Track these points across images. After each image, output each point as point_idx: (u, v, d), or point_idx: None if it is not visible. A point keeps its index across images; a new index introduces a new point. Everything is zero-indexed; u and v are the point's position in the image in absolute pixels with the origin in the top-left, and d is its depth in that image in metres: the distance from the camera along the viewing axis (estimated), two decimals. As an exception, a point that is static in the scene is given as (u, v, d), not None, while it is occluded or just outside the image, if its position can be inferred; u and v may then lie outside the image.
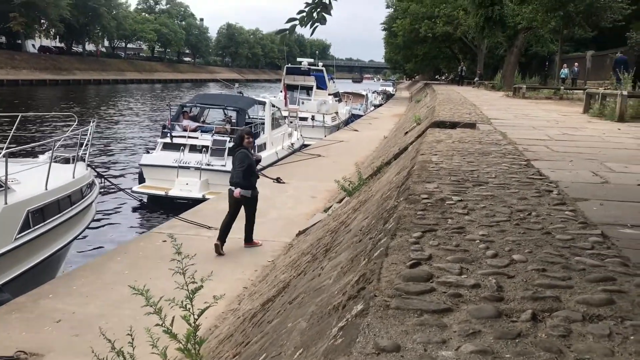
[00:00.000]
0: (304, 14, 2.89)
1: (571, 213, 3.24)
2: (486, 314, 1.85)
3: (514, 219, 3.09)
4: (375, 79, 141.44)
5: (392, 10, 56.41)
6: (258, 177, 8.75)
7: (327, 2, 2.87)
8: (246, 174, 8.21)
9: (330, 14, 2.91)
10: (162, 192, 13.62)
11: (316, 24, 2.92)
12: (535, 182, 4.18)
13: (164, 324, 2.54)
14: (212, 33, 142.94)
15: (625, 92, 11.35)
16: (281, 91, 28.59)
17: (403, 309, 1.88)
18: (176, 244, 2.79)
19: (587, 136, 8.13)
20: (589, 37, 28.82)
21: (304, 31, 3.49)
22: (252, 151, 15.36)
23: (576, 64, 28.23)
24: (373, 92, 56.04)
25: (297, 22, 2.92)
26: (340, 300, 2.33)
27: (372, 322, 1.80)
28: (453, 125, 9.29)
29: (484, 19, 30.75)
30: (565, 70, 27.73)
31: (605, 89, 15.02)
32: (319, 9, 2.86)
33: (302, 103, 27.65)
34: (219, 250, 8.02)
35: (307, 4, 2.90)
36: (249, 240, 8.45)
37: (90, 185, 9.70)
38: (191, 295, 2.60)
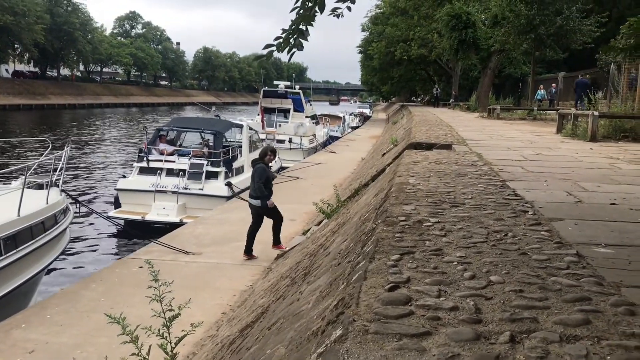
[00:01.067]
0: (281, 40, 2.92)
1: (547, 233, 3.28)
2: (465, 337, 1.85)
3: (491, 240, 3.11)
4: (352, 101, 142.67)
5: (368, 33, 57.19)
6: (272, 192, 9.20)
7: (304, 28, 2.89)
8: (267, 186, 8.88)
9: (307, 40, 2.93)
10: (139, 217, 13.47)
11: (293, 50, 2.95)
12: (511, 203, 4.23)
13: (140, 354, 2.49)
14: (189, 56, 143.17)
15: (596, 113, 11.62)
16: (258, 114, 28.67)
17: (382, 334, 1.88)
18: (153, 271, 2.75)
19: (560, 156, 8.27)
20: (560, 59, 29.57)
21: (282, 55, 3.51)
22: (235, 170, 15.46)
23: (554, 85, 27.94)
24: (350, 114, 56.42)
25: (274, 47, 2.94)
26: (320, 326, 2.31)
27: (351, 348, 1.78)
28: (429, 146, 9.39)
29: (457, 42, 31.35)
30: (541, 92, 27.54)
31: (576, 110, 15.36)
32: (295, 35, 2.89)
33: (280, 125, 27.72)
34: (251, 256, 8.93)
35: (284, 30, 2.93)
36: (277, 243, 9.12)
37: (65, 211, 9.55)
38: (168, 324, 2.55)
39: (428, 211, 3.91)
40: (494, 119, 21.21)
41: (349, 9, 3.58)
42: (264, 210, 8.94)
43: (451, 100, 39.08)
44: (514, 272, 2.54)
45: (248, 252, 8.91)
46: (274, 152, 9.28)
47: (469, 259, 2.75)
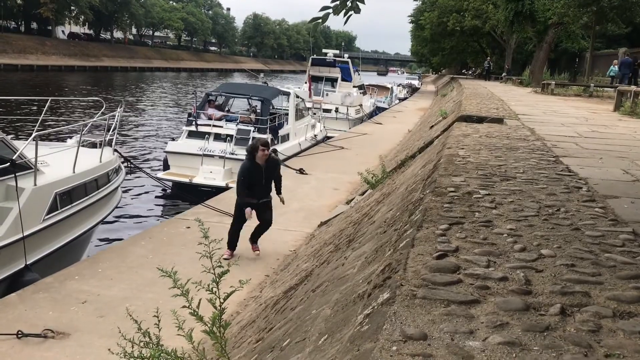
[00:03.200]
0: (338, 2, 2.88)
1: (601, 210, 3.19)
2: (514, 307, 1.84)
3: (543, 214, 3.05)
4: (400, 72, 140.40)
5: (420, 2, 55.88)
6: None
7: (362, -10, 2.85)
8: (245, 185, 7.39)
9: (364, 3, 2.89)
10: (187, 180, 13.74)
11: (350, 13, 2.91)
12: (564, 178, 4.12)
13: (190, 306, 2.57)
14: (239, 23, 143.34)
15: (658, 91, 11.11)
16: (306, 82, 28.56)
17: (430, 299, 1.88)
18: (203, 228, 2.82)
19: (617, 134, 7.98)
20: (622, 34, 28.22)
21: (330, 23, 3.46)
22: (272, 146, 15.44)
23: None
24: (398, 85, 55.64)
25: (330, 10, 2.90)
26: (366, 289, 2.33)
27: (399, 311, 1.80)
28: (480, 119, 9.20)
29: (513, 14, 30.27)
30: (614, 68, 24.55)
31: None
32: (352, -3, 2.85)
33: (327, 95, 27.57)
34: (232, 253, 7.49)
35: (340, -8, 2.89)
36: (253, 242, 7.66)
37: (117, 170, 9.83)
38: (217, 279, 2.62)
39: (478, 183, 3.85)
40: (548, 94, 20.54)
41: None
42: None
43: (503, 74, 38.00)
44: (566, 246, 2.49)
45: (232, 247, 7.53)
46: (266, 145, 7.25)
47: (520, 231, 2.71)
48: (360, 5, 2.88)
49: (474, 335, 1.64)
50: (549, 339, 1.62)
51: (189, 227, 8.22)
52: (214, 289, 2.58)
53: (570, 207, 3.22)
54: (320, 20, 2.89)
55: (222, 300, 2.56)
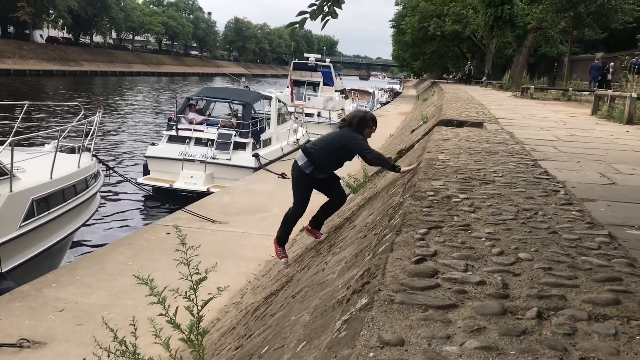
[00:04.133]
0: (315, 7, 2.87)
1: (578, 213, 3.22)
2: (491, 311, 1.84)
3: (521, 218, 3.07)
4: (381, 76, 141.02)
5: (401, 7, 56.24)
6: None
7: (339, -5, 2.85)
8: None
9: (341, 8, 2.89)
10: (167, 185, 13.65)
11: (327, 18, 2.90)
12: (542, 182, 4.16)
13: (167, 314, 2.54)
14: (220, 27, 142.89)
15: (634, 95, 11.28)
16: (288, 87, 28.56)
17: (408, 304, 1.88)
18: (181, 235, 2.79)
19: (595, 138, 8.09)
20: (598, 39, 28.68)
21: (312, 27, 3.47)
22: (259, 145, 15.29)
23: (612, 63, 25.14)
24: (380, 90, 55.89)
25: (307, 15, 2.90)
26: (345, 294, 2.32)
27: (377, 316, 1.79)
28: (460, 124, 9.25)
29: (493, 18, 30.61)
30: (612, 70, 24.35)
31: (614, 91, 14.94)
32: (330, 3, 2.84)
33: (309, 99, 27.58)
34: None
35: (318, -3, 2.88)
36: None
37: (95, 176, 9.72)
38: (195, 286, 2.59)
39: (457, 187, 3.87)
40: (528, 98, 20.77)
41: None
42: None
43: (484, 79, 38.35)
44: (543, 250, 2.50)
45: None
46: (375, 124, 5.64)
47: (498, 235, 2.72)
48: (338, 10, 2.88)
49: (451, 340, 1.63)
50: (525, 343, 1.62)
51: (169, 233, 8.15)
52: (192, 297, 2.55)
53: (547, 211, 3.25)
54: (297, 25, 2.88)
55: (199, 308, 2.53)
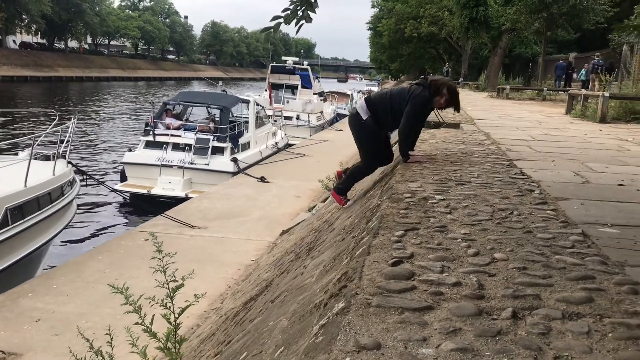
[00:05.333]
0: (289, 12, 2.87)
1: (552, 212, 3.26)
2: (467, 312, 1.85)
3: (496, 218, 3.10)
4: (359, 78, 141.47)
5: (378, 10, 56.55)
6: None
7: (312, 0, 2.85)
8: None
9: (315, 12, 2.89)
10: (145, 191, 13.53)
11: (301, 22, 2.91)
12: (517, 182, 4.20)
13: (143, 323, 2.51)
14: (197, 31, 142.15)
15: (607, 94, 11.48)
16: (266, 90, 28.52)
17: (384, 307, 1.88)
18: (157, 242, 2.76)
19: (569, 137, 8.21)
20: (572, 39, 29.19)
21: (289, 30, 3.47)
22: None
23: (586, 64, 24.60)
24: (358, 92, 56.04)
25: (282, 20, 2.90)
26: (322, 299, 2.32)
27: (353, 320, 1.79)
28: (437, 125, 9.31)
29: (468, 20, 30.99)
30: (584, 71, 24.00)
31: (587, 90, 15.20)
32: (304, 7, 2.84)
33: (287, 102, 27.59)
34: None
35: (292, 2, 2.88)
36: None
37: (71, 183, 9.59)
38: (172, 294, 2.57)
39: (434, 189, 3.89)
40: (503, 98, 21.02)
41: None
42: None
43: (460, 80, 38.72)
44: (518, 249, 2.53)
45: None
46: (452, 91, 5.03)
47: (474, 236, 2.74)
48: (313, 14, 2.89)
49: (427, 343, 1.64)
50: (500, 344, 1.64)
51: (147, 240, 8.06)
52: (168, 304, 2.52)
53: (523, 210, 3.28)
54: (272, 30, 2.88)
55: (176, 316, 2.51)
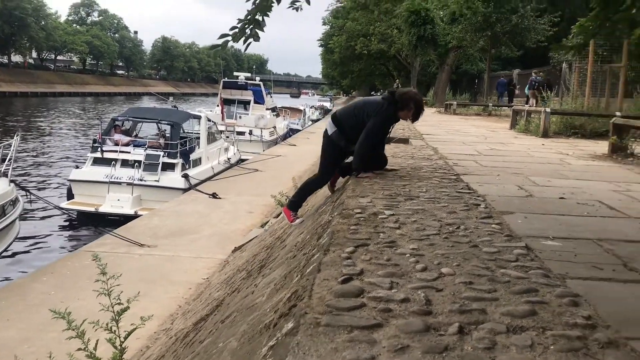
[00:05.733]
0: (237, 29, 2.87)
1: (497, 226, 3.35)
2: (415, 329, 1.86)
3: (443, 233, 3.15)
4: (311, 94, 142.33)
5: (329, 27, 57.17)
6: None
7: (260, 19, 2.86)
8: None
9: (263, 31, 2.90)
10: (92, 209, 13.16)
11: (249, 40, 2.91)
12: (464, 196, 4.29)
13: (87, 349, 2.42)
14: (147, 46, 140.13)
15: (548, 110, 11.93)
16: (218, 105, 28.34)
17: (333, 326, 1.87)
18: (101, 264, 2.68)
19: (513, 151, 8.47)
20: (515, 57, 30.27)
21: (241, 46, 3.45)
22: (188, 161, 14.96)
23: (539, 78, 24.14)
24: (311, 107, 56.40)
25: (229, 37, 2.89)
26: (272, 318, 2.30)
27: (302, 341, 1.78)
28: (387, 140, 9.46)
29: (416, 38, 31.69)
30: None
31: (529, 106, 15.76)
32: (251, 26, 2.85)
33: (240, 117, 27.46)
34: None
35: (240, 20, 2.88)
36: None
37: (14, 202, 9.25)
38: (117, 317, 2.49)
39: (384, 204, 3.93)
40: (451, 114, 21.57)
41: (308, 2, 3.55)
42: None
43: (410, 95, 39.37)
44: (465, 264, 2.58)
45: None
46: (418, 105, 5.20)
47: (422, 251, 2.78)
48: (260, 33, 2.89)
49: (375, 361, 1.64)
50: None
51: (94, 260, 7.83)
52: (113, 328, 2.45)
53: (469, 225, 3.36)
54: (220, 48, 2.87)
55: (122, 340, 2.44)
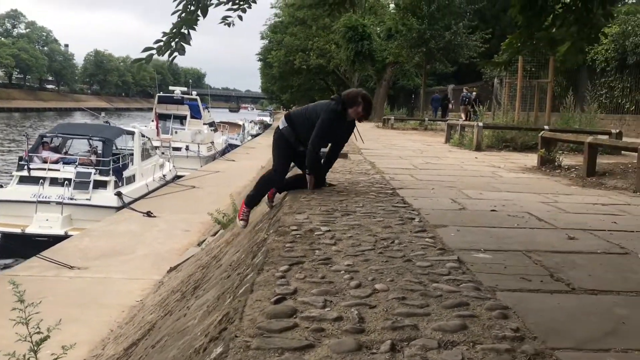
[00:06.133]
0: (162, 43, 2.79)
1: (431, 240, 3.38)
2: (347, 348, 1.83)
3: (378, 248, 3.15)
4: (250, 108, 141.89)
5: (267, 41, 57.23)
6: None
7: (186, 32, 2.79)
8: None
9: (189, 44, 2.84)
10: (18, 230, 12.51)
11: (175, 54, 2.84)
12: (399, 210, 4.33)
13: (0, 384, 2.26)
14: (79, 59, 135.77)
15: (481, 124, 12.32)
16: (153, 120, 27.74)
17: (264, 349, 1.81)
18: (18, 291, 2.51)
19: (447, 165, 8.67)
20: (449, 72, 31.27)
21: (178, 59, 3.36)
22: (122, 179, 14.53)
23: (474, 88, 25.79)
24: (250, 122, 56.13)
25: (154, 51, 2.81)
26: (202, 343, 2.21)
27: (231, 366, 1.71)
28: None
29: (354, 53, 32.22)
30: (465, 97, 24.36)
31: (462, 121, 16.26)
32: (177, 39, 2.78)
33: (176, 133, 26.97)
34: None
35: (165, 33, 2.81)
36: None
37: None
38: (35, 348, 2.34)
39: (320, 220, 3.91)
40: (389, 128, 21.96)
41: (240, 18, 3.51)
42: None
43: (348, 110, 39.88)
44: (398, 279, 2.58)
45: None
46: (366, 100, 5.16)
47: (356, 267, 2.76)
48: (187, 46, 2.83)
49: (306, 385, 1.59)
50: (378, 379, 1.63)
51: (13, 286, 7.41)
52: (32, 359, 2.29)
53: (403, 239, 3.37)
54: (144, 61, 2.78)
55: (40, 372, 2.28)
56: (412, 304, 2.26)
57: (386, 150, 11.23)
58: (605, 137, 9.98)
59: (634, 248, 3.47)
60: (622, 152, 9.82)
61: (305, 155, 5.14)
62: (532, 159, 9.58)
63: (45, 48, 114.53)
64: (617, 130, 10.71)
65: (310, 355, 1.79)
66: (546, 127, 11.45)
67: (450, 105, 28.31)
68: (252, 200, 5.41)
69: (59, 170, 13.75)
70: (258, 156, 26.31)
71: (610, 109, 19.07)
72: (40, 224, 12.70)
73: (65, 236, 11.90)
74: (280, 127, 5.29)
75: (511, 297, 2.42)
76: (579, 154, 9.95)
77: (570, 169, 8.24)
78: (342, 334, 1.95)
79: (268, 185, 5.41)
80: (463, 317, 2.12)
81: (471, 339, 1.92)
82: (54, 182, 13.44)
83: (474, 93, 24.33)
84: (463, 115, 23.06)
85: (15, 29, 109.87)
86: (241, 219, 5.45)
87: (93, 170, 13.79)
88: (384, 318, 2.10)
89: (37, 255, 9.14)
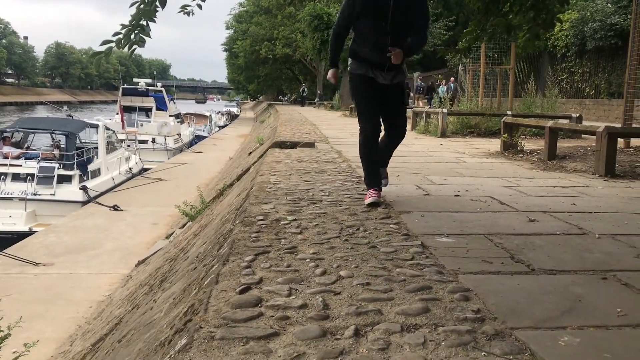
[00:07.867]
0: (121, 35, 2.75)
1: (395, 226, 3.43)
2: (312, 335, 1.85)
3: (344, 235, 3.19)
4: (216, 99, 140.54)
5: (232, 31, 56.67)
6: None
7: (145, 24, 2.75)
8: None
9: (149, 36, 2.80)
10: (-21, 228, 12.20)
11: (134, 46, 2.80)
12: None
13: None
14: (39, 52, 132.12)
15: (445, 110, 12.46)
16: (117, 113, 27.26)
17: (228, 339, 1.83)
18: (-23, 290, 2.47)
19: (413, 151, 8.75)
20: (415, 60, 31.43)
21: (142, 51, 3.31)
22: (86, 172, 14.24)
23: (452, 79, 25.13)
24: (217, 113, 55.58)
25: (113, 44, 2.77)
26: (168, 335, 2.21)
27: (195, 357, 1.71)
28: (293, 145, 9.48)
29: (320, 42, 32.10)
30: (443, 88, 23.85)
31: (428, 108, 16.42)
32: (136, 31, 2.74)
33: (141, 125, 26.56)
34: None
35: (124, 26, 2.77)
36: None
37: None
38: (-4, 347, 2.30)
39: (286, 209, 3.92)
40: (355, 117, 21.98)
41: (200, 7, 3.47)
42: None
43: (316, 100, 39.93)
44: (363, 265, 2.61)
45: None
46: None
47: (322, 255, 2.79)
48: (147, 38, 2.79)
49: (270, 372, 1.61)
50: (342, 364, 1.66)
51: (-19, 283, 7.26)
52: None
53: (368, 226, 3.41)
54: (103, 55, 2.74)
55: (2, 371, 2.25)
56: (376, 289, 2.29)
57: (353, 138, 11.22)
58: (566, 121, 10.21)
59: (591, 228, 3.57)
60: (582, 135, 10.07)
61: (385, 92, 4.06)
62: (495, 144, 9.75)
63: (4, 40, 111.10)
64: (577, 115, 10.95)
65: (275, 343, 1.80)
66: (509, 112, 11.64)
67: (411, 94, 28.36)
68: (366, 180, 4.33)
69: (20, 165, 13.44)
70: (226, 147, 26.11)
71: (570, 93, 19.53)
72: (3, 220, 12.42)
73: (30, 232, 11.66)
74: (349, 69, 4.31)
75: (473, 279, 2.47)
76: (540, 138, 10.16)
77: (532, 153, 8.41)
78: (306, 321, 1.98)
79: (367, 155, 4.33)
80: (426, 300, 2.17)
81: (433, 321, 1.97)
82: (16, 177, 13.15)
83: (424, 82, 24.61)
84: (421, 103, 23.30)
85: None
86: (377, 191, 4.18)
87: (57, 165, 13.52)
88: (349, 304, 2.13)
89: (0, 253, 8.93)
